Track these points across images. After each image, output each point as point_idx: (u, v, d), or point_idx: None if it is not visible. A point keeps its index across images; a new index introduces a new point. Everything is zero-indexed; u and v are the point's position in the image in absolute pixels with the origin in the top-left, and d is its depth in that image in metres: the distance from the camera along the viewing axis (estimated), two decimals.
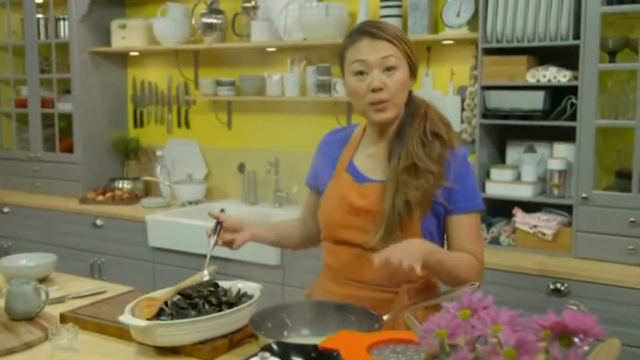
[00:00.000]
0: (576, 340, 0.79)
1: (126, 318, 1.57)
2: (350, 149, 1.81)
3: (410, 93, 1.75)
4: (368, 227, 1.68)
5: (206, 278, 1.77)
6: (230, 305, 1.66)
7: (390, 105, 1.67)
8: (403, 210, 1.64)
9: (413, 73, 1.72)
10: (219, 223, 1.82)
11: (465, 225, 1.72)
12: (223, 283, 1.79)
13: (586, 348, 0.81)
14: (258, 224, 1.91)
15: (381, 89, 1.65)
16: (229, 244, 1.82)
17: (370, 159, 1.77)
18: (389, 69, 1.65)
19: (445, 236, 1.77)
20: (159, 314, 1.64)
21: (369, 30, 1.68)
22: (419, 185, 1.64)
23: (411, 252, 1.52)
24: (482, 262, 1.74)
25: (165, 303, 1.68)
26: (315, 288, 1.88)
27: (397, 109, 1.70)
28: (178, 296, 1.72)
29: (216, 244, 1.80)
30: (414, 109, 1.73)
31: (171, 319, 1.61)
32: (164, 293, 1.71)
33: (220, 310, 1.63)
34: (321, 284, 1.84)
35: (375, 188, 1.71)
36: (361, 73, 1.67)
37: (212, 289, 1.75)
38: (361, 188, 1.73)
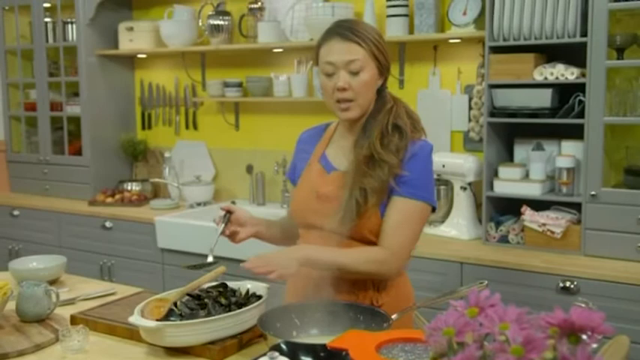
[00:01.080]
0: (584, 337, 0.79)
1: (136, 319, 1.58)
2: (323, 142, 1.91)
3: (382, 90, 1.82)
4: (332, 212, 1.75)
5: (210, 259, 1.81)
6: (239, 305, 1.67)
7: (354, 105, 1.75)
8: (360, 197, 1.71)
9: (382, 72, 1.78)
10: (228, 212, 1.86)
11: (397, 208, 1.73)
12: (232, 284, 1.80)
13: (594, 345, 0.80)
14: (263, 222, 1.96)
15: (345, 89, 1.72)
16: (232, 236, 1.88)
17: (339, 150, 1.85)
18: (354, 72, 1.72)
19: None
20: (168, 315, 1.64)
21: (338, 31, 1.76)
22: (375, 175, 1.72)
23: (280, 263, 1.65)
24: (395, 255, 1.73)
25: (175, 304, 1.69)
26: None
27: (362, 109, 1.77)
28: (187, 297, 1.73)
29: (223, 233, 1.85)
30: (382, 105, 1.80)
31: (181, 319, 1.62)
32: (173, 294, 1.72)
33: (229, 311, 1.64)
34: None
35: (339, 176, 1.79)
36: (330, 73, 1.75)
37: (221, 289, 1.77)
38: (329, 177, 1.82)
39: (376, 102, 1.81)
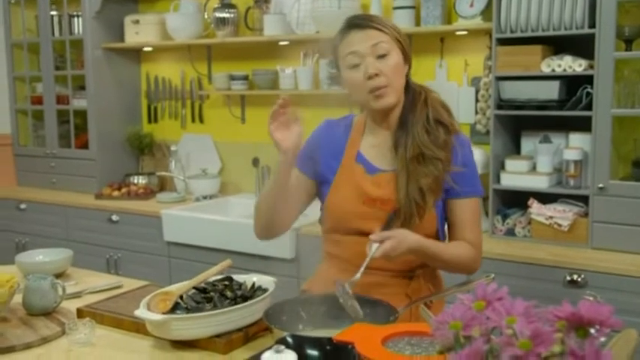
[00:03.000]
0: (592, 330, 0.78)
1: (142, 312, 1.58)
2: (355, 140, 1.80)
3: (407, 80, 1.77)
4: (385, 216, 1.70)
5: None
6: (245, 299, 1.67)
7: (389, 90, 1.68)
8: (418, 197, 1.67)
9: (406, 58, 1.73)
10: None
11: (468, 209, 1.76)
12: (238, 277, 1.80)
13: (602, 339, 0.80)
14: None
15: (377, 75, 1.66)
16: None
17: (375, 149, 1.78)
18: (382, 56, 1.67)
19: (447, 219, 1.80)
20: (174, 308, 1.64)
21: (356, 22, 1.70)
22: (429, 172, 1.68)
23: (399, 254, 1.59)
24: (480, 249, 1.79)
25: (181, 297, 1.69)
26: (315, 283, 1.85)
27: (396, 94, 1.71)
28: (193, 290, 1.72)
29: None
30: (414, 96, 1.76)
31: (187, 313, 1.62)
32: (179, 287, 1.72)
33: (235, 304, 1.64)
34: (327, 277, 1.79)
35: (387, 178, 1.73)
36: (355, 65, 1.68)
37: (227, 282, 1.76)
38: (373, 179, 1.74)
39: (406, 93, 1.75)
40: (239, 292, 1.70)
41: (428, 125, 1.71)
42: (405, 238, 1.60)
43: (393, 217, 1.69)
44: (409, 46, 1.74)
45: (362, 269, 1.58)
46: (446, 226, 1.82)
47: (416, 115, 1.72)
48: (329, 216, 1.80)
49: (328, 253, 1.84)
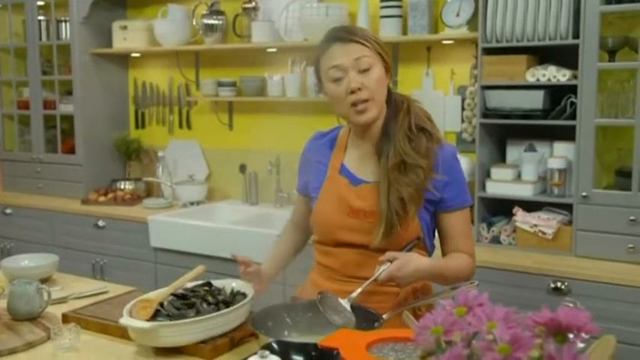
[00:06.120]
0: (570, 336, 0.80)
1: (127, 320, 1.58)
2: (339, 152, 1.82)
3: (389, 90, 1.77)
4: (369, 228, 1.71)
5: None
6: (226, 304, 1.67)
7: (372, 104, 1.68)
8: (399, 207, 1.67)
9: (388, 70, 1.73)
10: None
11: (458, 221, 1.77)
12: (216, 282, 1.80)
13: (581, 344, 0.81)
14: (273, 272, 1.95)
15: (359, 89, 1.66)
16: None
17: (360, 160, 1.78)
18: (364, 70, 1.67)
19: (438, 232, 1.81)
20: (155, 315, 1.64)
21: (338, 35, 1.70)
22: (410, 181, 1.67)
23: (405, 275, 1.62)
24: (474, 257, 1.82)
25: (161, 304, 1.68)
26: (306, 291, 1.87)
27: (378, 108, 1.71)
28: (172, 297, 1.72)
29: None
30: (396, 105, 1.76)
31: (169, 319, 1.62)
32: (158, 294, 1.72)
33: (218, 309, 1.64)
34: (316, 285, 1.81)
35: (370, 189, 1.73)
36: (338, 78, 1.68)
37: (207, 288, 1.77)
38: (357, 190, 1.74)
39: (388, 103, 1.75)
40: (220, 298, 1.71)
41: (410, 133, 1.70)
42: (411, 260, 1.63)
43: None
44: (390, 57, 1.74)
45: (363, 287, 1.62)
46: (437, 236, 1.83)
47: (398, 123, 1.72)
48: (315, 228, 1.82)
49: (318, 262, 1.85)
